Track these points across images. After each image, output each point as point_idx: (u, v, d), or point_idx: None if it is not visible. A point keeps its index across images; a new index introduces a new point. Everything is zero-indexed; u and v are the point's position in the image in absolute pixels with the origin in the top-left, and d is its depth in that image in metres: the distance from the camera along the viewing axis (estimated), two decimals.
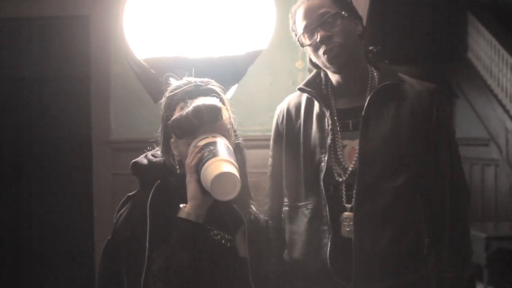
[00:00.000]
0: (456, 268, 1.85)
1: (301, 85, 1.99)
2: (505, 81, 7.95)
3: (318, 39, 1.85)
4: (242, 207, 1.69)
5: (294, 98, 2.04)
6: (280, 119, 2.03)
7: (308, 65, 2.02)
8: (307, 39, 1.89)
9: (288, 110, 2.01)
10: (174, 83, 1.68)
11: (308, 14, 1.88)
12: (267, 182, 2.06)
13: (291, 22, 1.96)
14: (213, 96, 1.60)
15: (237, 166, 1.49)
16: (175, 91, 1.62)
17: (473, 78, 8.56)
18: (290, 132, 1.98)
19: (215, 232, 1.60)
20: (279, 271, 1.83)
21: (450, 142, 1.91)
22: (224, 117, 1.59)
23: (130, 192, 1.69)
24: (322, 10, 1.86)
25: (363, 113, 1.85)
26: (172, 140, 1.62)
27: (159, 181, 1.61)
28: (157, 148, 1.71)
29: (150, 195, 1.58)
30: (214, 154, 1.48)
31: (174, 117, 1.57)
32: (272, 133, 2.07)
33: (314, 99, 1.94)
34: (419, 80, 1.96)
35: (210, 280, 1.54)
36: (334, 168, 1.87)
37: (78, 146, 3.76)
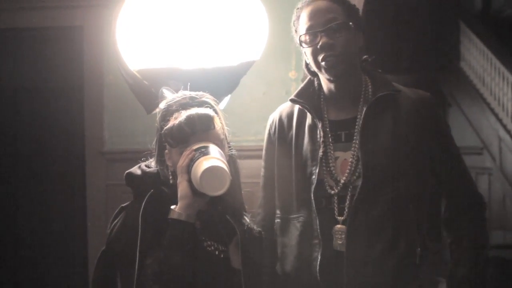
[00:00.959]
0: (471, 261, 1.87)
1: (293, 96, 1.96)
2: (497, 90, 7.99)
3: (319, 45, 1.81)
4: (235, 218, 1.69)
5: (287, 108, 2.02)
6: (273, 129, 2.01)
7: (303, 68, 1.98)
8: (308, 40, 1.85)
9: (280, 120, 2.00)
10: (169, 96, 1.69)
11: (315, 16, 1.83)
12: (260, 193, 2.06)
13: (294, 16, 1.91)
14: (206, 107, 1.61)
15: (227, 164, 1.51)
16: (170, 103, 1.63)
17: (465, 87, 8.59)
18: (282, 143, 1.97)
19: (209, 243, 1.60)
20: (271, 283, 1.83)
21: (450, 148, 1.89)
22: (216, 127, 1.60)
23: (123, 203, 1.68)
24: (330, 16, 1.82)
25: (360, 125, 1.83)
26: (166, 151, 1.63)
27: (152, 190, 1.61)
28: (151, 159, 1.71)
29: (143, 204, 1.58)
30: (204, 154, 1.51)
31: (167, 126, 1.58)
32: (264, 143, 2.05)
33: (306, 110, 1.93)
34: (412, 88, 1.94)
35: None
36: (326, 180, 1.85)
37: (72, 156, 3.76)
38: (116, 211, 1.67)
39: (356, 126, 1.86)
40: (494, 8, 9.26)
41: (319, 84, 1.95)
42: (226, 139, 1.67)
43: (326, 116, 1.91)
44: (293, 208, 1.90)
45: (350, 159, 1.84)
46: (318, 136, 1.87)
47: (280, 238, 1.94)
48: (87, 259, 3.25)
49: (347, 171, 1.83)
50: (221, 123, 1.65)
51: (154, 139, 1.69)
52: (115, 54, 2.05)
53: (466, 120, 8.59)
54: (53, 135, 3.89)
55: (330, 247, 1.82)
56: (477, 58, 8.41)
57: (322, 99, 1.94)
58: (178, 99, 1.63)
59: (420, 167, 1.84)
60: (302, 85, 1.99)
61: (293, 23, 1.91)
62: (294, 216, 1.90)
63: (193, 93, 1.65)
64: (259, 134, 2.78)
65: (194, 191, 1.52)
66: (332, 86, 1.90)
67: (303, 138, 1.92)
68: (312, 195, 1.84)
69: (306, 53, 1.88)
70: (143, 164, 1.71)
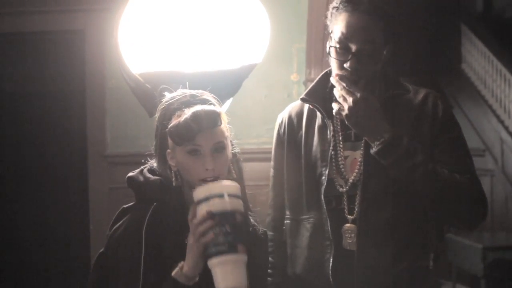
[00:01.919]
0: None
1: (303, 95, 1.94)
2: (499, 91, 7.99)
3: (347, 65, 1.77)
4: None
5: (296, 107, 2.00)
6: (282, 129, 1.99)
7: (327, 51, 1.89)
8: (337, 54, 1.79)
9: (289, 120, 1.98)
10: (168, 95, 1.68)
11: (351, 31, 1.76)
12: (269, 193, 2.03)
13: (329, 13, 1.84)
14: (210, 104, 1.59)
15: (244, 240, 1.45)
16: (170, 101, 1.61)
17: (467, 89, 8.59)
18: (291, 143, 1.95)
19: None
20: (282, 285, 1.81)
21: (458, 146, 1.85)
22: (223, 123, 1.58)
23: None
24: (367, 37, 1.75)
25: None
26: (169, 150, 1.60)
27: (155, 204, 1.59)
28: (152, 160, 1.69)
29: (146, 220, 1.56)
30: (227, 247, 1.41)
31: (172, 124, 1.56)
32: (273, 143, 2.03)
33: (316, 110, 1.91)
34: (421, 87, 1.91)
35: None
36: (336, 179, 1.84)
37: (74, 160, 3.77)
38: (117, 212, 1.66)
39: None
40: (496, 9, 9.27)
41: (331, 83, 1.90)
42: (230, 137, 1.64)
43: (337, 115, 1.87)
44: (303, 209, 1.89)
45: (360, 158, 1.82)
46: (329, 136, 1.86)
47: (290, 239, 1.93)
48: (90, 262, 3.25)
49: (356, 170, 1.82)
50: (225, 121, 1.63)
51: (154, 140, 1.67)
52: (117, 58, 2.06)
53: (468, 122, 8.58)
54: (55, 139, 3.90)
55: (341, 246, 1.81)
56: (478, 60, 8.41)
57: (334, 98, 1.89)
58: (178, 97, 1.61)
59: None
60: (313, 84, 1.96)
61: (328, 17, 1.84)
62: (304, 217, 1.88)
63: (193, 91, 1.63)
64: (261, 137, 2.79)
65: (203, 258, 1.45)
66: None
67: (312, 138, 1.91)
68: (322, 196, 1.83)
69: (331, 53, 1.83)
70: (145, 169, 1.68)
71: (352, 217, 1.81)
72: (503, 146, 7.82)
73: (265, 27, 2.05)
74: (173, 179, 1.60)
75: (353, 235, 1.79)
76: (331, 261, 1.80)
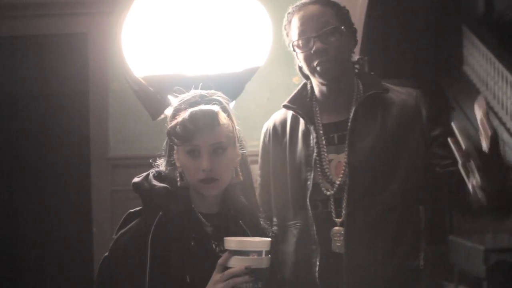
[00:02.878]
0: None
1: (286, 102, 1.95)
2: (500, 93, 8.00)
3: (313, 50, 1.81)
4: (251, 221, 1.66)
5: (280, 115, 2.01)
6: (267, 138, 2.00)
7: (297, 71, 1.97)
8: (301, 45, 1.84)
9: (274, 128, 1.99)
10: (179, 97, 1.65)
11: (307, 21, 1.82)
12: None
13: (285, 21, 1.90)
14: (214, 104, 1.57)
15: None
16: (180, 102, 1.60)
17: (469, 91, 8.59)
18: (276, 150, 1.95)
19: (221, 248, 1.56)
20: None
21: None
22: (222, 123, 1.56)
23: (128, 209, 1.64)
24: (322, 20, 1.81)
25: (349, 125, 1.83)
26: (175, 151, 1.60)
27: (160, 213, 1.56)
28: (160, 160, 1.66)
29: (152, 230, 1.53)
30: None
31: (171, 125, 1.55)
32: (259, 152, 2.03)
33: (299, 116, 1.92)
34: (402, 87, 1.92)
35: None
36: (322, 183, 1.84)
37: (77, 162, 3.78)
38: (124, 217, 1.63)
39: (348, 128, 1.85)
40: (497, 12, 9.28)
41: (311, 88, 1.95)
42: (237, 137, 1.63)
43: (319, 119, 1.90)
44: (289, 215, 1.89)
45: (344, 161, 1.83)
46: (312, 141, 1.87)
47: (277, 246, 1.91)
48: (93, 265, 3.25)
49: (341, 172, 1.82)
50: (231, 120, 1.61)
51: (164, 142, 1.65)
52: (120, 61, 2.07)
53: (469, 123, 8.58)
54: (58, 142, 3.91)
55: (329, 250, 1.81)
56: (480, 62, 8.42)
57: (314, 102, 1.93)
58: (188, 97, 1.60)
59: (417, 166, 1.81)
60: (295, 91, 1.99)
61: (284, 27, 1.91)
62: (291, 223, 1.88)
63: (203, 92, 1.62)
64: None
65: None
66: (324, 89, 1.89)
67: (296, 144, 1.91)
68: (308, 201, 1.83)
69: (299, 57, 1.87)
70: (151, 174, 1.64)
71: (340, 220, 1.81)
72: (504, 148, 7.81)
73: (267, 31, 2.07)
74: (178, 179, 1.59)
75: (342, 238, 1.79)
76: (317, 265, 1.81)
